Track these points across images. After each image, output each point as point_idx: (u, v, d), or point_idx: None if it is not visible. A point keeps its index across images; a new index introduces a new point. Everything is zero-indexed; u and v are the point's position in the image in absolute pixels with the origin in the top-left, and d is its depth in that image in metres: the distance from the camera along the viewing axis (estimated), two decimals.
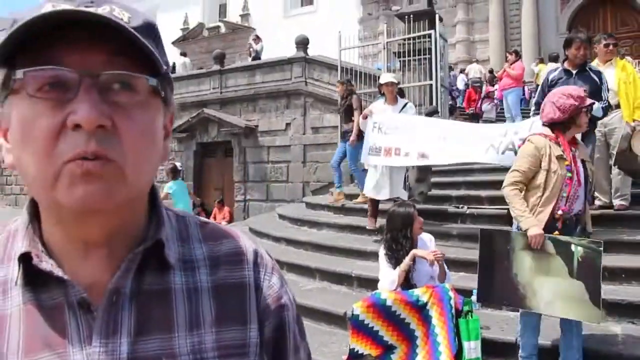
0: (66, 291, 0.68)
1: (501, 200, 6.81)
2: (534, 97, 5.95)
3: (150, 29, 0.68)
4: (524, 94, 13.35)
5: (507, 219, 6.25)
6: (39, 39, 0.62)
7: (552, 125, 3.81)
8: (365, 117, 6.95)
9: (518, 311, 4.05)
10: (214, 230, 0.83)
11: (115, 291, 0.68)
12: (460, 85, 16.84)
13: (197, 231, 0.81)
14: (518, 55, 12.15)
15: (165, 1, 33.63)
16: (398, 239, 4.36)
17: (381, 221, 6.46)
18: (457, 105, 15.51)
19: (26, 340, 0.66)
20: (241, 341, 0.74)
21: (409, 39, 11.47)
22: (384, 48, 12.34)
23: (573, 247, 3.55)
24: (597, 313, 3.51)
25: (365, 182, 7.06)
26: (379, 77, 11.62)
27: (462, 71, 17.81)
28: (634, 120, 6.00)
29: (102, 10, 0.64)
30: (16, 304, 0.68)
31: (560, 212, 3.65)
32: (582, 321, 3.70)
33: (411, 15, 11.42)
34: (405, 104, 7.24)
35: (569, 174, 3.68)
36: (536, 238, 3.59)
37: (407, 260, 4.24)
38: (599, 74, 5.48)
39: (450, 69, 16.33)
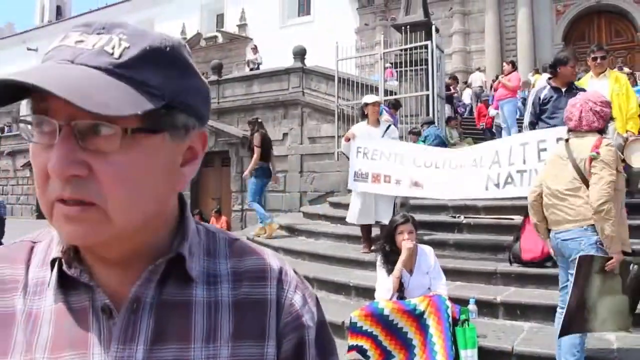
0: (92, 296, 0.72)
1: (497, 209, 6.92)
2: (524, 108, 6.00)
3: (150, 56, 0.66)
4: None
5: (506, 229, 6.35)
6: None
7: (588, 132, 3.72)
8: (348, 140, 6.79)
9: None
10: (241, 246, 0.84)
11: (135, 299, 0.71)
12: (466, 99, 16.92)
13: (224, 247, 0.83)
14: (514, 66, 12.24)
15: (163, 11, 33.83)
16: (385, 247, 4.43)
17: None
18: (462, 116, 15.38)
19: (53, 339, 0.71)
20: (258, 357, 0.76)
21: (405, 49, 11.56)
22: (381, 58, 12.43)
23: (631, 266, 3.56)
24: (629, 321, 3.62)
25: (349, 208, 6.92)
26: (376, 88, 11.78)
27: (465, 83, 17.82)
28: (626, 132, 6.07)
29: (99, 42, 0.65)
30: (49, 304, 0.73)
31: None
32: (615, 330, 3.76)
33: (408, 26, 11.50)
34: (388, 126, 7.08)
35: (625, 175, 3.71)
36: (618, 263, 3.47)
37: (398, 266, 4.29)
38: (583, 91, 5.57)
39: (455, 80, 16.19)
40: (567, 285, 3.70)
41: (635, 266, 3.54)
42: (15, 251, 0.79)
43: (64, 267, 0.73)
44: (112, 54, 0.64)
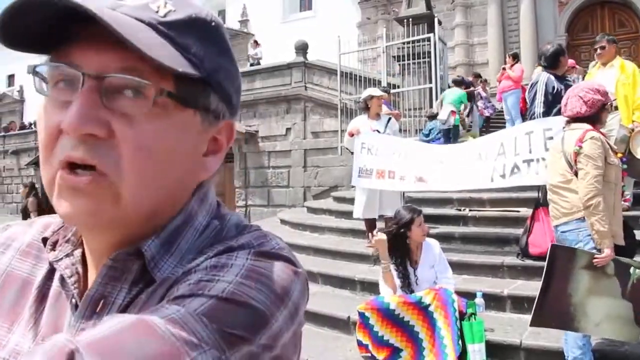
0: (67, 286, 0.68)
1: (503, 202, 6.87)
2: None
3: (194, 25, 0.61)
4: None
5: (512, 221, 6.29)
6: (62, 36, 0.58)
7: (582, 120, 3.68)
8: (352, 135, 6.74)
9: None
10: (254, 269, 0.60)
11: (100, 298, 0.63)
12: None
13: (218, 249, 0.65)
14: (517, 58, 12.15)
15: None
16: (398, 239, 4.37)
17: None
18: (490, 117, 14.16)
19: (44, 323, 0.67)
20: None
21: (408, 42, 11.50)
22: (383, 52, 12.37)
23: (632, 270, 3.49)
24: (637, 331, 3.51)
25: (355, 203, 6.87)
26: (378, 82, 11.72)
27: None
28: (632, 122, 5.98)
29: (146, 2, 0.60)
30: (54, 287, 0.69)
31: (626, 204, 3.59)
32: (622, 340, 3.68)
33: (410, 19, 11.45)
34: (389, 119, 7.05)
35: (624, 166, 3.63)
36: (608, 259, 3.43)
37: (382, 260, 4.29)
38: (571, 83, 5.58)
39: (479, 77, 15.47)
40: None
41: (638, 271, 3.47)
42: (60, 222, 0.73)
43: (47, 247, 0.69)
44: (157, 12, 0.60)
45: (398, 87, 11.96)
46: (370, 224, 6.78)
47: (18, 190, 25.93)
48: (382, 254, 4.31)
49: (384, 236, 4.34)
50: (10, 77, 44.01)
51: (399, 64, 12.10)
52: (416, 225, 4.32)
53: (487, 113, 13.60)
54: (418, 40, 11.37)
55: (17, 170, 26.02)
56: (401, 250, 4.34)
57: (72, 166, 0.57)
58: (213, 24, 0.64)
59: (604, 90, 3.72)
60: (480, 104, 13.42)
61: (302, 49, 13.84)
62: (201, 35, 0.62)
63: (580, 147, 3.53)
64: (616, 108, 5.90)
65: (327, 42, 14.67)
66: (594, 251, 3.46)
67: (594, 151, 3.50)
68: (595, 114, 3.67)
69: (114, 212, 0.58)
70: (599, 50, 6.19)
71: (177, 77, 0.59)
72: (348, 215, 7.98)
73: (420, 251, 4.40)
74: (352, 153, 7.06)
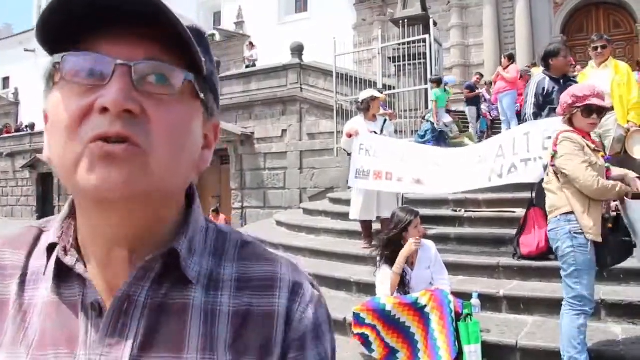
0: (84, 291, 0.67)
1: (498, 203, 6.87)
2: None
3: (197, 34, 0.67)
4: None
5: (508, 222, 6.30)
6: (83, 30, 0.63)
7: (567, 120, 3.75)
8: (349, 136, 6.71)
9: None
10: (253, 251, 0.77)
11: (126, 298, 0.66)
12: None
13: (234, 250, 0.76)
14: (512, 59, 12.17)
15: None
16: (394, 242, 4.37)
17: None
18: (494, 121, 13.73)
19: (40, 334, 0.66)
20: None
21: (403, 43, 11.52)
22: (379, 53, 12.38)
23: None
24: None
25: (352, 205, 6.84)
26: (374, 83, 11.72)
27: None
28: (628, 122, 6.01)
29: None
30: (42, 296, 0.68)
31: (614, 203, 3.63)
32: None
33: (405, 20, 11.47)
34: (385, 120, 7.06)
35: (607, 164, 3.65)
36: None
37: (400, 259, 4.25)
38: (576, 82, 5.54)
39: (481, 77, 15.22)
40: (567, 276, 3.65)
41: None
42: (21, 237, 0.75)
43: (59, 253, 0.68)
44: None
45: (394, 88, 11.97)
46: (367, 225, 6.77)
47: (13, 193, 25.89)
48: (403, 258, 4.28)
49: (418, 245, 4.33)
50: (5, 80, 43.91)
51: (395, 65, 12.12)
52: (413, 227, 4.33)
53: (491, 116, 13.49)
54: (413, 42, 11.40)
55: (12, 173, 25.95)
56: (397, 252, 4.33)
57: (107, 140, 0.61)
58: (206, 34, 0.71)
59: (578, 93, 3.67)
60: (484, 106, 13.32)
61: (297, 50, 13.84)
62: (202, 43, 0.68)
63: (555, 150, 3.63)
64: (612, 108, 5.92)
65: (323, 44, 14.67)
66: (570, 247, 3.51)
67: (570, 150, 3.56)
68: (568, 115, 3.70)
69: (144, 183, 0.62)
70: (599, 50, 6.19)
71: (190, 70, 0.66)
72: (344, 216, 7.99)
73: (416, 252, 4.40)
74: (349, 154, 7.05)
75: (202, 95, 0.69)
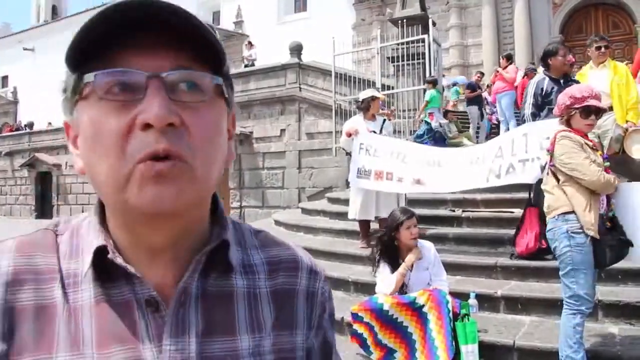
0: (134, 289, 0.69)
1: (496, 203, 6.87)
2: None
3: (211, 30, 0.69)
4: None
5: (506, 222, 6.31)
6: (108, 43, 0.63)
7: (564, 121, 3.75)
8: (349, 135, 6.71)
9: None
10: (266, 238, 0.86)
11: (183, 291, 0.70)
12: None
13: (251, 238, 0.84)
14: (511, 59, 12.17)
15: None
16: (386, 242, 4.35)
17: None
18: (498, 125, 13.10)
19: (97, 334, 0.68)
20: (291, 345, 0.77)
21: (402, 43, 11.50)
22: (378, 53, 12.37)
23: None
24: None
25: (350, 204, 6.85)
26: (373, 83, 11.71)
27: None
28: (626, 122, 6.02)
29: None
30: (87, 298, 0.69)
31: (614, 200, 3.65)
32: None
33: (404, 20, 11.45)
34: (384, 120, 7.08)
35: (607, 163, 3.66)
36: None
37: (405, 264, 4.23)
38: (577, 82, 5.52)
39: (482, 75, 14.92)
40: (564, 276, 3.65)
41: None
42: (43, 239, 0.75)
43: (110, 256, 0.69)
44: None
45: (392, 88, 11.96)
46: (365, 225, 6.77)
47: (12, 192, 25.85)
48: (411, 259, 4.27)
49: (419, 253, 4.31)
50: (4, 79, 43.86)
51: (394, 65, 12.10)
52: (404, 227, 4.27)
53: (494, 119, 13.26)
54: (412, 42, 11.38)
55: (10, 172, 25.92)
56: (393, 252, 4.33)
57: (155, 158, 0.62)
58: (216, 31, 0.71)
59: (577, 94, 3.67)
60: (487, 109, 13.23)
61: (296, 50, 13.83)
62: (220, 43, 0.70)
63: (549, 150, 3.66)
64: (611, 108, 5.92)
65: (322, 44, 14.66)
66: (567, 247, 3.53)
67: (570, 147, 3.57)
68: (566, 117, 3.70)
69: (193, 193, 0.65)
70: (603, 49, 6.19)
71: (214, 71, 0.68)
72: (342, 216, 7.99)
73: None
74: (347, 154, 7.05)
75: (227, 94, 0.71)
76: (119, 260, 0.68)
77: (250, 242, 0.82)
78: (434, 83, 10.69)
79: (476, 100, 12.75)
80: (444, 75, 18.45)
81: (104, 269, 0.69)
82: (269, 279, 0.79)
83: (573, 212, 3.55)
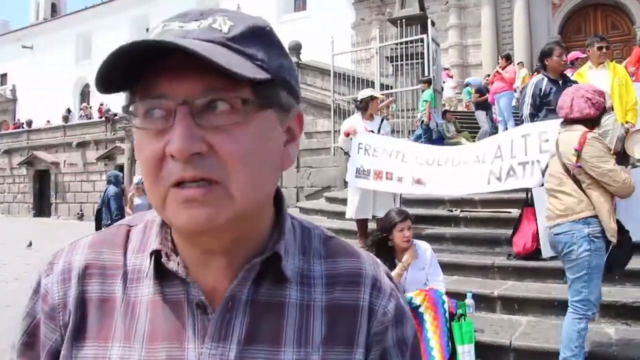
0: (187, 290, 0.72)
1: (494, 203, 6.86)
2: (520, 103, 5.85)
3: (255, 34, 0.68)
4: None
5: (504, 222, 6.31)
6: (145, 66, 0.64)
7: (582, 121, 3.68)
8: (347, 135, 6.67)
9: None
10: (337, 246, 0.82)
11: (231, 298, 0.71)
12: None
13: (319, 246, 0.81)
14: (509, 59, 12.16)
15: (158, 8, 33.67)
16: (381, 242, 4.34)
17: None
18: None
19: (150, 329, 0.72)
20: None
21: (401, 43, 11.50)
22: (377, 53, 12.37)
23: None
24: None
25: (348, 204, 6.82)
26: (371, 82, 11.71)
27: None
28: (626, 122, 6.03)
29: (203, 23, 0.66)
30: (146, 294, 0.74)
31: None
32: None
33: (403, 20, 11.45)
34: (382, 120, 7.05)
35: (621, 166, 3.67)
36: None
37: (402, 265, 4.22)
38: (576, 83, 5.51)
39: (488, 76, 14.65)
40: (576, 280, 3.63)
41: None
42: (114, 236, 0.80)
43: (163, 259, 0.73)
44: (221, 30, 0.66)
45: (391, 87, 11.96)
46: (363, 224, 6.76)
47: (10, 190, 25.83)
48: (407, 259, 4.26)
49: (412, 254, 4.29)
50: (3, 76, 43.84)
51: (392, 65, 12.10)
52: (397, 230, 4.25)
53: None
54: (411, 41, 11.37)
55: (9, 170, 25.91)
56: (387, 252, 4.32)
57: (179, 183, 0.64)
58: (268, 28, 0.71)
59: (602, 92, 3.76)
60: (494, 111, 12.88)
61: (295, 49, 13.82)
62: (263, 41, 0.69)
63: (579, 150, 3.53)
64: (611, 108, 5.93)
65: (321, 43, 14.67)
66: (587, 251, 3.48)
67: (599, 151, 3.54)
68: (599, 116, 3.72)
69: (229, 214, 0.65)
70: (604, 50, 6.18)
71: (252, 84, 0.65)
72: (340, 215, 7.98)
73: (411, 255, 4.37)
74: (345, 153, 7.03)
75: (269, 104, 0.69)
76: (171, 264, 0.72)
77: (315, 250, 0.80)
78: (429, 82, 10.65)
79: (484, 104, 12.41)
80: (450, 77, 18.52)
81: (164, 267, 0.73)
82: (325, 292, 0.76)
83: (595, 216, 3.51)
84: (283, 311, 0.73)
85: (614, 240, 3.47)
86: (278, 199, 0.79)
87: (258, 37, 0.69)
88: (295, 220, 0.83)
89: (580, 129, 3.65)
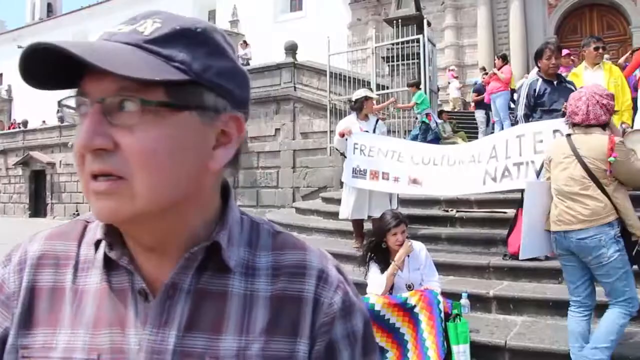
0: (132, 279, 0.75)
1: (490, 203, 6.87)
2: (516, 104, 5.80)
3: (180, 35, 0.70)
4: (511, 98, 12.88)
5: (499, 222, 6.31)
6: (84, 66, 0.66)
7: (594, 126, 3.67)
8: (342, 135, 6.65)
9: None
10: (284, 240, 0.84)
11: (172, 286, 0.74)
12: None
13: (267, 239, 0.83)
14: (505, 59, 12.17)
15: (154, 8, 33.65)
16: (375, 244, 4.35)
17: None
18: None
19: (95, 315, 0.75)
20: (288, 353, 0.75)
21: (397, 43, 11.50)
22: (373, 53, 12.37)
23: None
24: None
25: (342, 204, 6.81)
26: (367, 82, 11.70)
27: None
28: (622, 123, 6.04)
29: (132, 27, 0.70)
30: (94, 283, 0.78)
31: None
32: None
33: (399, 20, 11.46)
34: (377, 120, 7.04)
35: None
36: None
37: (395, 263, 4.22)
38: (572, 84, 5.50)
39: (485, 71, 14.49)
40: (581, 284, 3.65)
41: None
42: (71, 229, 0.84)
43: (106, 249, 0.76)
44: (143, 32, 0.69)
45: (387, 88, 11.95)
46: (358, 224, 6.75)
47: (6, 190, 25.74)
48: (400, 258, 4.25)
49: (408, 248, 4.29)
50: None
51: (388, 65, 12.10)
52: (391, 234, 4.25)
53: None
54: (407, 42, 11.37)
55: (4, 170, 25.82)
56: (382, 254, 4.32)
57: (95, 176, 0.67)
58: (198, 30, 0.71)
59: (613, 94, 3.81)
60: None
61: (291, 49, 13.81)
62: (188, 42, 0.70)
63: (615, 157, 3.52)
64: (615, 110, 5.95)
65: (317, 43, 14.66)
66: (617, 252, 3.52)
67: (627, 154, 3.57)
68: (610, 119, 3.75)
69: (132, 209, 0.67)
70: (601, 50, 6.19)
71: (166, 85, 0.67)
72: (336, 215, 7.97)
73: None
74: (341, 154, 7.02)
75: (186, 105, 0.69)
76: (112, 253, 0.75)
77: (263, 243, 0.82)
78: (416, 85, 10.62)
79: (484, 104, 12.38)
80: (455, 78, 18.49)
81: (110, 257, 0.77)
82: (270, 283, 0.78)
83: (617, 218, 3.53)
84: (225, 300, 0.75)
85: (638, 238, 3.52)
86: (225, 193, 0.82)
87: (183, 38, 0.70)
88: (246, 215, 0.85)
89: (600, 132, 3.65)
